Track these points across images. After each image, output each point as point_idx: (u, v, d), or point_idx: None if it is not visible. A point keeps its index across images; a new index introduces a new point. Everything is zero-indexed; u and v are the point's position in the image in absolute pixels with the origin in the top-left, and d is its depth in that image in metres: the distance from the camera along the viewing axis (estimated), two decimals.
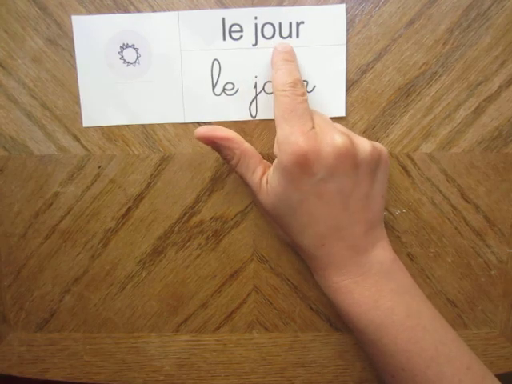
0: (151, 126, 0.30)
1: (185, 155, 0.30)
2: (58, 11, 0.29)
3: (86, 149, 0.30)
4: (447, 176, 0.30)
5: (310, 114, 0.26)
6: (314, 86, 0.29)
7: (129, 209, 0.31)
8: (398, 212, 0.31)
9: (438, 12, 0.28)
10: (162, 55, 0.29)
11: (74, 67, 0.29)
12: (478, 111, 0.29)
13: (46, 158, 0.30)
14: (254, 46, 0.29)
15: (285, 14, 0.28)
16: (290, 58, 0.27)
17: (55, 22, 0.29)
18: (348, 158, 0.24)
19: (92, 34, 0.29)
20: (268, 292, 0.32)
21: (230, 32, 0.29)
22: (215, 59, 0.29)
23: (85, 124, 0.30)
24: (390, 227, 0.31)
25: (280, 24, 0.28)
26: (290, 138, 0.24)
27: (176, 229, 0.31)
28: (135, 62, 0.29)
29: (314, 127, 0.25)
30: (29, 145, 0.30)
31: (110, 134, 0.30)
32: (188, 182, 0.31)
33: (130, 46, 0.29)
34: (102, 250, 0.32)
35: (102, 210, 0.31)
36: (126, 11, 0.29)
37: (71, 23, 0.29)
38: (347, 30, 0.29)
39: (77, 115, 0.30)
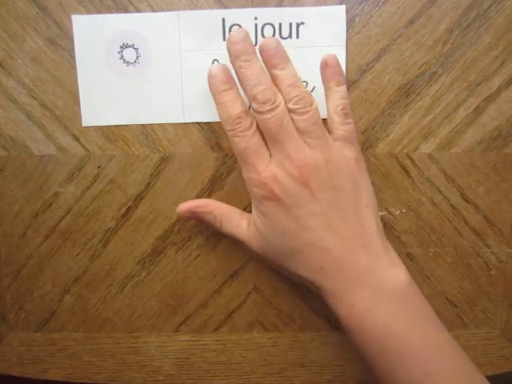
0: (151, 126, 0.30)
1: (185, 155, 0.30)
2: (58, 11, 0.29)
3: (86, 149, 0.30)
4: (447, 176, 0.30)
5: (264, 145, 0.25)
6: (314, 87, 0.29)
7: (128, 209, 0.31)
8: (397, 212, 0.31)
9: (437, 12, 0.28)
10: (162, 55, 0.29)
11: (73, 67, 0.29)
12: (478, 111, 0.29)
13: (46, 158, 0.31)
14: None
15: (285, 15, 0.28)
16: (227, 84, 0.25)
17: (55, 22, 0.29)
18: (307, 182, 0.24)
19: (92, 34, 0.29)
20: (268, 292, 0.32)
21: (230, 32, 0.29)
22: (215, 59, 0.29)
23: (84, 124, 0.30)
24: (389, 227, 0.31)
25: (280, 25, 0.28)
26: (250, 175, 0.25)
27: (176, 229, 0.31)
28: (135, 61, 0.29)
29: (271, 156, 0.25)
30: (29, 145, 0.30)
31: (110, 134, 0.30)
32: (188, 182, 0.31)
33: (129, 46, 0.29)
34: (102, 250, 0.32)
35: (101, 210, 0.31)
36: (126, 11, 0.29)
37: (71, 23, 0.29)
38: (347, 29, 0.29)
39: (76, 115, 0.30)
